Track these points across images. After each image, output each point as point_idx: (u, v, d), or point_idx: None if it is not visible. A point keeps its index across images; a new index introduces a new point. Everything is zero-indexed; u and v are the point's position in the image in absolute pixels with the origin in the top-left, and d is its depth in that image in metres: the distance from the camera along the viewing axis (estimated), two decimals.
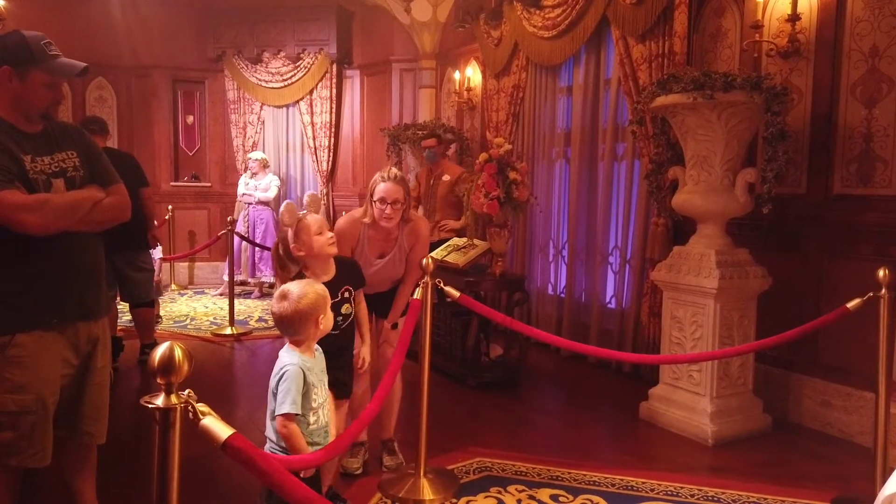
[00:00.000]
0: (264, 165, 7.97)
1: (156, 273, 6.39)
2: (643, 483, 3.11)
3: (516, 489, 3.02)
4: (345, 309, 2.60)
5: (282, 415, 1.94)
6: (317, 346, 2.15)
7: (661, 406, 3.91)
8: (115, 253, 4.73)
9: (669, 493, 3.02)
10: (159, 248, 6.37)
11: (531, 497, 2.94)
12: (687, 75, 3.57)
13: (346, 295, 2.62)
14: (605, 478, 3.15)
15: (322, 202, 8.14)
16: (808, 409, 3.88)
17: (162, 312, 6.74)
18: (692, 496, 2.99)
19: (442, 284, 2.94)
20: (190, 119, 8.89)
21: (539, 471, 3.21)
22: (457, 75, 6.89)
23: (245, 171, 8.20)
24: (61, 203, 2.17)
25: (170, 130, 8.74)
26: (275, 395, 1.99)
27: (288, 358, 2.04)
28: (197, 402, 1.26)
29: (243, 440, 1.24)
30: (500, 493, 2.98)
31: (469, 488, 3.02)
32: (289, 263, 2.54)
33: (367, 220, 3.04)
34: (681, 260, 3.82)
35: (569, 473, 3.19)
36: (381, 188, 2.97)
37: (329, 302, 2.11)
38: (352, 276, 2.67)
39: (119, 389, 4.66)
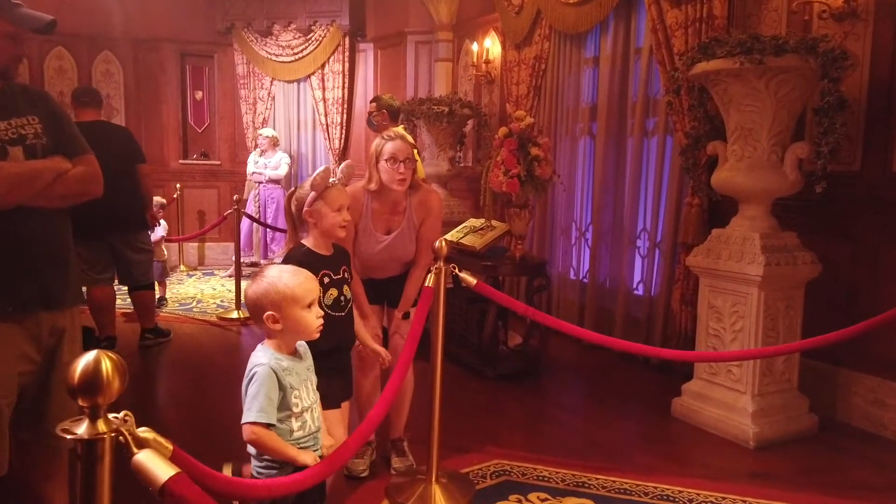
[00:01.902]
0: (274, 143, 7.67)
1: (163, 254, 6.15)
2: (679, 492, 2.79)
3: (538, 497, 2.72)
4: (346, 290, 2.33)
5: (248, 423, 1.65)
6: (303, 343, 1.85)
7: (695, 403, 3.58)
8: (112, 233, 4.49)
9: (710, 503, 2.71)
10: (164, 226, 6.09)
11: None
12: (732, 38, 3.20)
13: (347, 275, 2.34)
14: (637, 485, 2.84)
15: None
16: (859, 409, 3.54)
17: (168, 294, 6.50)
18: None
19: (457, 270, 2.63)
20: (199, 95, 8.59)
21: (563, 475, 2.91)
22: (475, 47, 6.51)
23: (255, 148, 7.93)
24: (17, 172, 1.88)
25: (178, 106, 8.46)
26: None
27: (258, 356, 1.74)
28: (136, 428, 0.96)
29: (187, 484, 0.94)
30: (520, 501, 2.69)
31: (485, 495, 2.73)
32: (295, 222, 2.32)
33: (373, 185, 2.76)
34: (720, 244, 3.47)
35: (596, 479, 2.89)
36: (391, 146, 2.70)
37: (302, 302, 1.75)
38: (347, 259, 2.42)
39: None
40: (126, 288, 4.89)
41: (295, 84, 8.37)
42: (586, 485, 2.83)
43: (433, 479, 2.69)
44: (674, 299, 4.35)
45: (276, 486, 1.49)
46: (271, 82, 8.31)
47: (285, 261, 2.21)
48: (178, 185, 8.18)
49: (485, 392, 4.07)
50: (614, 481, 2.87)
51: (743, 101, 3.29)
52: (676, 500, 2.73)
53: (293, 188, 2.36)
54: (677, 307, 4.30)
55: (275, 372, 1.70)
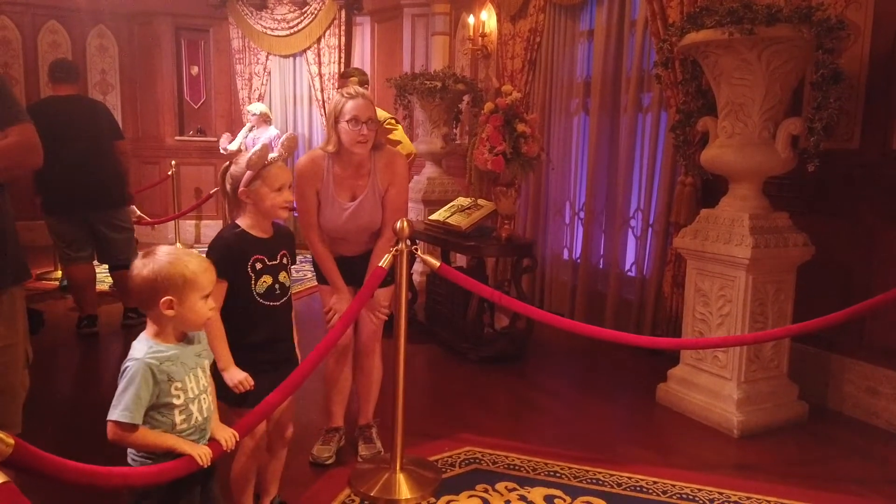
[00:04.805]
0: (265, 119, 7.50)
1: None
2: (654, 483, 2.69)
3: (506, 487, 2.62)
4: (283, 277, 2.16)
5: (111, 420, 1.53)
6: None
7: (680, 389, 3.47)
8: (89, 211, 4.41)
9: (684, 496, 2.60)
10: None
11: (521, 497, 2.54)
12: (723, 7, 3.02)
13: (285, 261, 2.18)
14: (611, 475, 2.74)
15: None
16: (851, 396, 3.41)
17: None
18: (711, 501, 2.57)
19: (419, 251, 2.51)
20: (195, 70, 8.47)
21: (535, 464, 2.81)
22: (471, 20, 6.32)
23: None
24: None
25: (174, 82, 8.35)
26: None
27: (135, 349, 1.61)
28: None
29: (12, 493, 0.84)
30: (486, 491, 2.59)
31: (452, 485, 2.64)
32: (233, 203, 2.14)
33: (331, 147, 2.59)
34: (708, 225, 3.33)
35: (569, 469, 2.78)
36: (351, 105, 2.54)
37: (203, 291, 1.63)
38: (288, 242, 2.24)
39: (101, 356, 4.38)
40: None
41: (291, 59, 8.21)
42: (557, 474, 2.73)
43: (397, 468, 2.60)
44: (665, 282, 4.22)
45: (136, 475, 1.40)
46: (267, 57, 8.16)
47: (216, 241, 2.08)
48: (173, 163, 8.07)
49: (466, 375, 3.97)
50: (588, 471, 2.76)
51: (734, 74, 3.12)
52: (650, 491, 2.63)
53: (227, 163, 2.17)
54: (669, 290, 4.16)
55: (150, 368, 1.57)
